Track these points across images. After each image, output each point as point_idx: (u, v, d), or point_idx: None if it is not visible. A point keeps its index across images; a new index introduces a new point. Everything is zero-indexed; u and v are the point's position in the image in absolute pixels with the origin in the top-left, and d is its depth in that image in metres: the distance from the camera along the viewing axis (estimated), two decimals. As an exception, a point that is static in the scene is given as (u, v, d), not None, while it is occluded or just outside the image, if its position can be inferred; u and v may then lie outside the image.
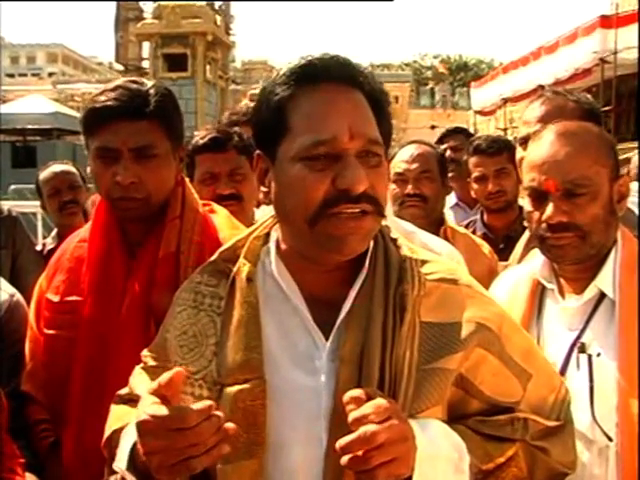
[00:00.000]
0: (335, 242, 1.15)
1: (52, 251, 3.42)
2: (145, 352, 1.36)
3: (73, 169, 3.78)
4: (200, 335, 1.26)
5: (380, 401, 1.06)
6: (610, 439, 1.49)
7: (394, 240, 1.29)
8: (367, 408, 1.04)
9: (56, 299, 1.77)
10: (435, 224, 2.68)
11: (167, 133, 1.69)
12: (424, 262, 1.27)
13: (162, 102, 1.67)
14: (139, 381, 1.33)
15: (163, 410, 1.04)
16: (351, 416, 1.04)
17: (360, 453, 1.02)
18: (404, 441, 1.06)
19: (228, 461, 1.15)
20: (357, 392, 1.07)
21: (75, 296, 1.74)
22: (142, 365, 1.35)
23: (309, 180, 1.14)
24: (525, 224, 1.73)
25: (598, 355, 1.54)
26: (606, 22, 13.01)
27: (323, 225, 1.14)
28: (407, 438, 1.07)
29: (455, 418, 1.23)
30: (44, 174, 3.72)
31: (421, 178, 2.67)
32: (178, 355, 1.27)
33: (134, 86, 1.67)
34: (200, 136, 2.33)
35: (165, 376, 1.08)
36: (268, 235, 1.31)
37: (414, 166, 2.67)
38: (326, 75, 1.16)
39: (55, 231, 3.86)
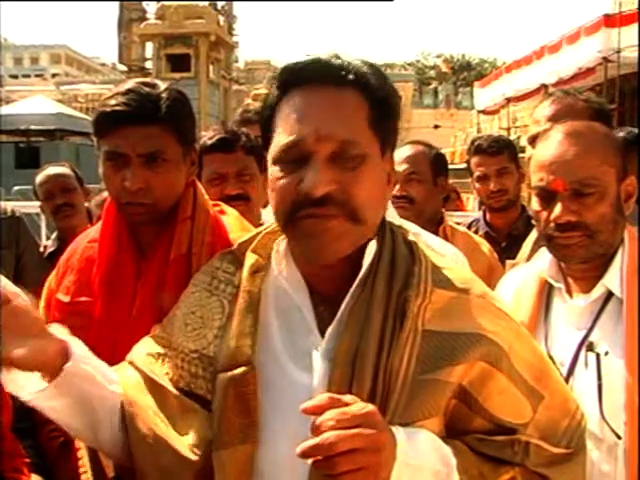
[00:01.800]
0: (307, 245, 1.16)
1: (53, 253, 3.46)
2: (156, 325, 1.40)
3: (67, 171, 3.74)
4: (207, 317, 1.29)
5: (349, 409, 1.03)
6: (619, 437, 1.50)
7: (408, 243, 1.27)
8: (329, 414, 1.01)
9: (66, 300, 1.77)
10: (433, 223, 2.68)
11: (178, 137, 1.67)
12: (437, 268, 1.24)
13: (173, 106, 1.65)
14: (140, 346, 1.39)
15: None
16: (317, 421, 1.01)
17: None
18: (375, 451, 1.02)
19: (223, 446, 1.16)
20: (323, 398, 1.04)
21: (85, 297, 1.73)
22: (151, 334, 1.40)
23: (280, 184, 1.16)
24: (531, 222, 1.73)
25: (606, 354, 1.55)
26: (609, 21, 13.00)
27: (295, 229, 1.16)
28: (380, 448, 1.03)
29: (456, 433, 1.19)
30: (39, 178, 3.71)
31: (408, 180, 2.68)
32: (181, 331, 1.30)
33: (145, 89, 1.65)
34: (208, 136, 2.33)
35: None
36: None
37: (402, 167, 2.68)
38: (309, 77, 1.16)
39: (55, 234, 3.86)
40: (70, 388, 1.21)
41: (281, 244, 1.27)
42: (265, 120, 1.21)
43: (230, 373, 1.19)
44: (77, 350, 1.24)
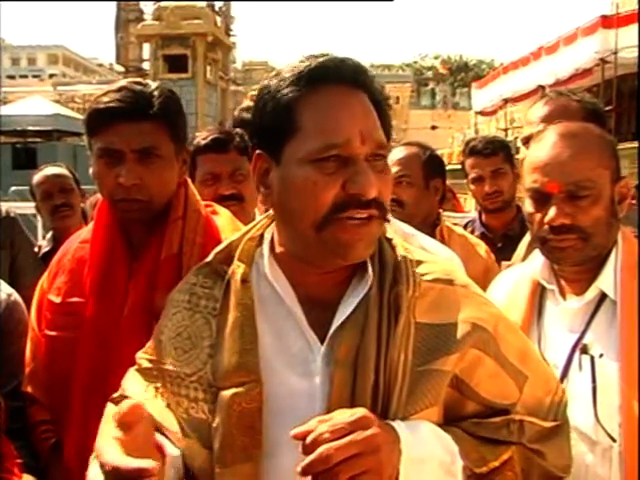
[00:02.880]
0: (342, 248, 1.14)
1: (48, 254, 3.45)
2: (139, 354, 1.35)
3: (65, 172, 3.75)
4: (195, 337, 1.24)
5: (337, 419, 1.04)
6: (613, 440, 1.48)
7: (389, 240, 1.28)
8: (322, 427, 1.03)
9: (58, 300, 1.76)
10: (427, 225, 2.66)
11: (171, 134, 1.68)
12: (419, 262, 1.25)
13: (166, 103, 1.66)
14: (131, 383, 1.32)
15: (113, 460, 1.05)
16: (307, 439, 1.03)
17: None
18: (373, 453, 1.04)
19: (225, 465, 1.14)
20: (312, 423, 1.05)
21: (77, 297, 1.73)
22: (136, 367, 1.34)
23: (319, 184, 1.12)
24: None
25: (600, 356, 1.53)
26: (607, 22, 13.02)
27: (330, 230, 1.13)
28: (377, 449, 1.04)
29: (451, 420, 1.21)
30: (36, 178, 3.71)
31: (398, 182, 2.64)
32: (172, 357, 1.25)
33: (138, 87, 1.66)
34: (202, 137, 2.33)
35: (124, 407, 1.07)
36: (262, 236, 1.30)
37: (393, 170, 2.63)
38: (337, 77, 1.16)
39: (50, 234, 3.84)
40: None
41: (265, 250, 1.26)
42: (274, 120, 1.17)
43: (234, 390, 1.15)
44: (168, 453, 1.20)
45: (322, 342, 1.18)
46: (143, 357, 1.34)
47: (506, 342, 1.25)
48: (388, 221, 1.19)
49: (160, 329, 1.32)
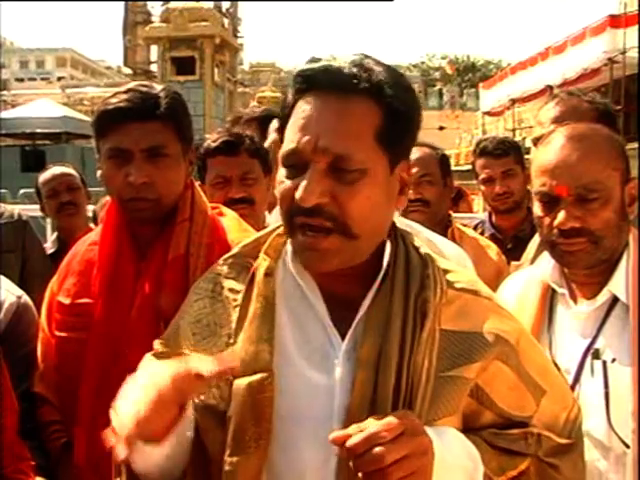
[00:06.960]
0: (301, 255, 1.17)
1: (53, 255, 3.45)
2: (157, 340, 1.35)
3: (72, 171, 3.77)
4: (214, 325, 1.25)
5: (391, 419, 1.04)
6: (627, 446, 1.47)
7: (416, 248, 1.28)
8: (376, 427, 1.03)
9: (67, 302, 1.78)
10: (441, 225, 2.67)
11: (178, 135, 1.71)
12: (446, 271, 1.26)
13: (173, 104, 1.70)
14: (146, 366, 1.30)
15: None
16: (360, 436, 1.02)
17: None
18: (423, 454, 1.05)
19: (235, 453, 1.14)
20: (353, 428, 1.04)
21: (86, 299, 1.75)
22: (152, 352, 1.34)
23: (282, 187, 1.16)
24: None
25: (613, 361, 1.52)
26: (615, 22, 12.98)
27: (293, 236, 1.18)
28: (425, 451, 1.06)
29: (467, 429, 1.21)
30: (43, 176, 3.73)
31: (421, 182, 2.67)
32: (190, 342, 1.26)
33: (145, 89, 1.71)
34: (212, 139, 2.34)
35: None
36: None
37: (413, 170, 2.64)
38: (320, 83, 1.14)
39: (55, 235, 3.85)
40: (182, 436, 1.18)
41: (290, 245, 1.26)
42: (282, 122, 1.21)
43: (248, 379, 1.15)
44: None
45: (343, 339, 1.19)
46: (159, 343, 1.34)
47: (527, 356, 1.26)
48: (354, 238, 1.14)
49: (180, 314, 1.33)
